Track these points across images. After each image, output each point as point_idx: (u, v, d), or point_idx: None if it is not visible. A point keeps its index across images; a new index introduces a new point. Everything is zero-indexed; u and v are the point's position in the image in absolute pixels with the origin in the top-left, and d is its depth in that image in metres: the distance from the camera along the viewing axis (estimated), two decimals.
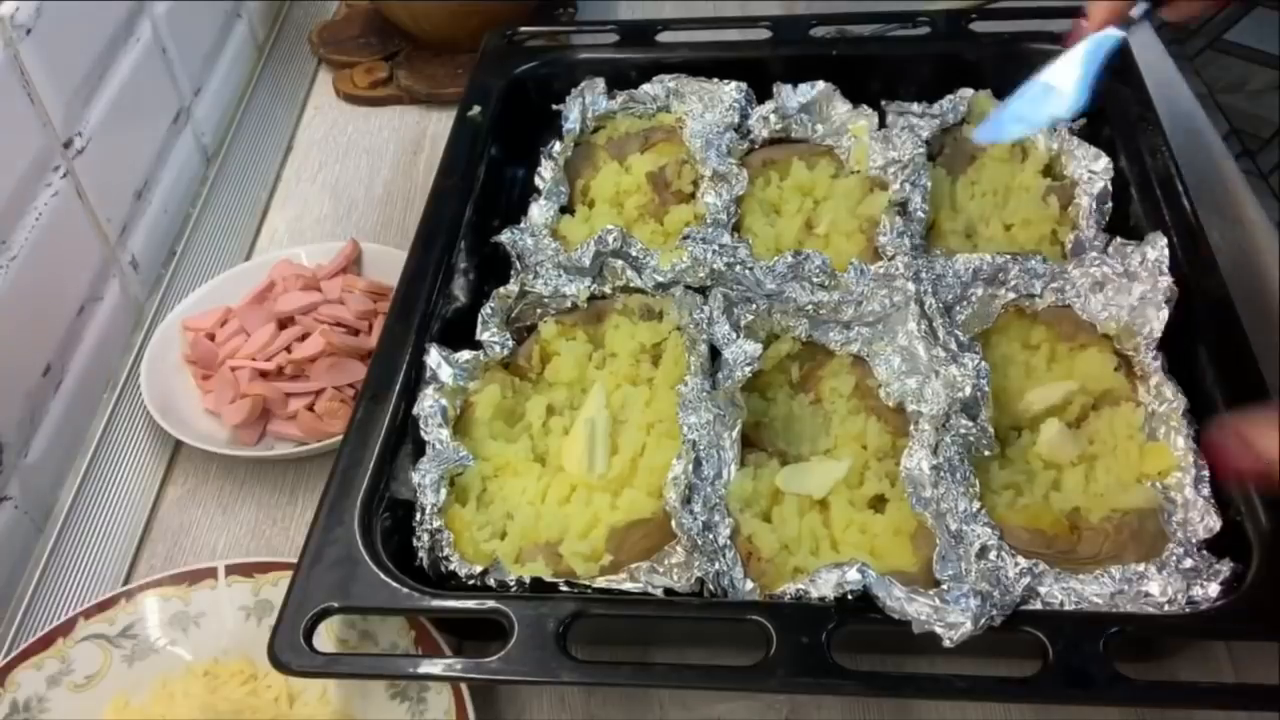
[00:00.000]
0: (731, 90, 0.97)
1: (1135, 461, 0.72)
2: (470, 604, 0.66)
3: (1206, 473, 0.68)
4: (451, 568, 0.68)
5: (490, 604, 0.64)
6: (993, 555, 0.65)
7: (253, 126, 1.22)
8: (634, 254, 0.84)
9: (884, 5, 1.08)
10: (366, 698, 0.71)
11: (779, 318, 0.81)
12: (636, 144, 0.99)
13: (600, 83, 1.01)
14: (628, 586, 0.67)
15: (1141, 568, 0.64)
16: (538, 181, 0.94)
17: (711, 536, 0.68)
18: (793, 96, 0.96)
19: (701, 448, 0.72)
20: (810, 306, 0.80)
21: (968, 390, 0.72)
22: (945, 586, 0.63)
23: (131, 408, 0.93)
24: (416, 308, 0.81)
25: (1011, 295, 0.80)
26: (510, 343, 0.83)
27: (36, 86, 0.86)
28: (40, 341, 0.87)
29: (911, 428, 0.73)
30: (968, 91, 0.96)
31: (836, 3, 1.09)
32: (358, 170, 1.15)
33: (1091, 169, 0.88)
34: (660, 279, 0.83)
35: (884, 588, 0.62)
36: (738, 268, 0.81)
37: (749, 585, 0.67)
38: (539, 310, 0.85)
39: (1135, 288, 0.77)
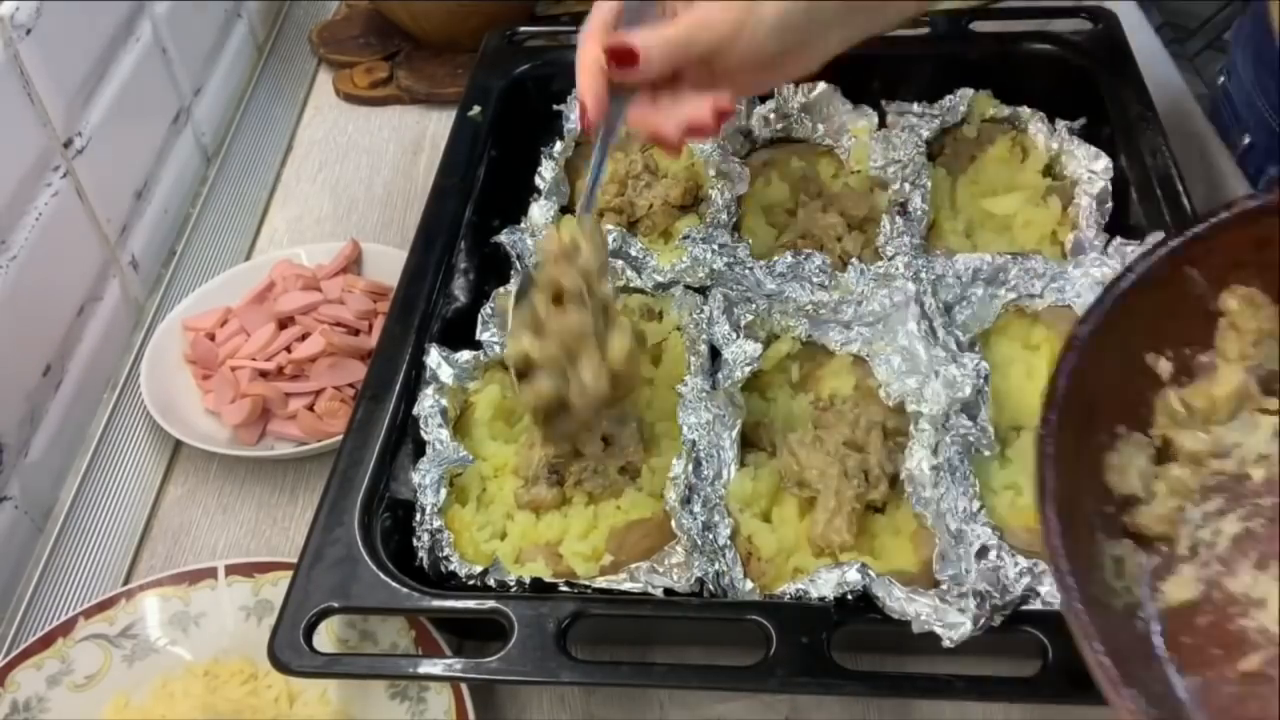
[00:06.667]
0: None
1: None
2: (470, 604, 0.66)
3: None
4: (451, 568, 0.68)
5: (490, 604, 0.65)
6: (993, 555, 0.65)
7: (253, 126, 1.22)
8: (634, 254, 0.84)
9: None
10: (366, 698, 0.71)
11: (779, 318, 0.81)
12: (638, 144, 0.99)
13: None
14: (628, 586, 0.67)
15: None
16: (538, 181, 0.94)
17: (711, 536, 0.68)
18: (793, 96, 0.96)
19: (701, 448, 0.72)
20: (810, 306, 0.80)
21: (968, 390, 0.72)
22: (945, 586, 0.63)
23: (131, 408, 0.93)
24: (416, 308, 0.81)
25: (1011, 295, 0.80)
26: None
27: (36, 86, 0.86)
28: (40, 341, 0.87)
29: (911, 428, 0.73)
30: (968, 91, 0.96)
31: None
32: (358, 170, 1.15)
33: (1091, 169, 0.88)
34: (660, 279, 0.83)
35: (884, 588, 0.62)
36: (738, 268, 0.81)
37: (749, 585, 0.67)
38: None
39: None
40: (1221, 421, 0.55)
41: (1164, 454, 0.55)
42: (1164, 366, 0.56)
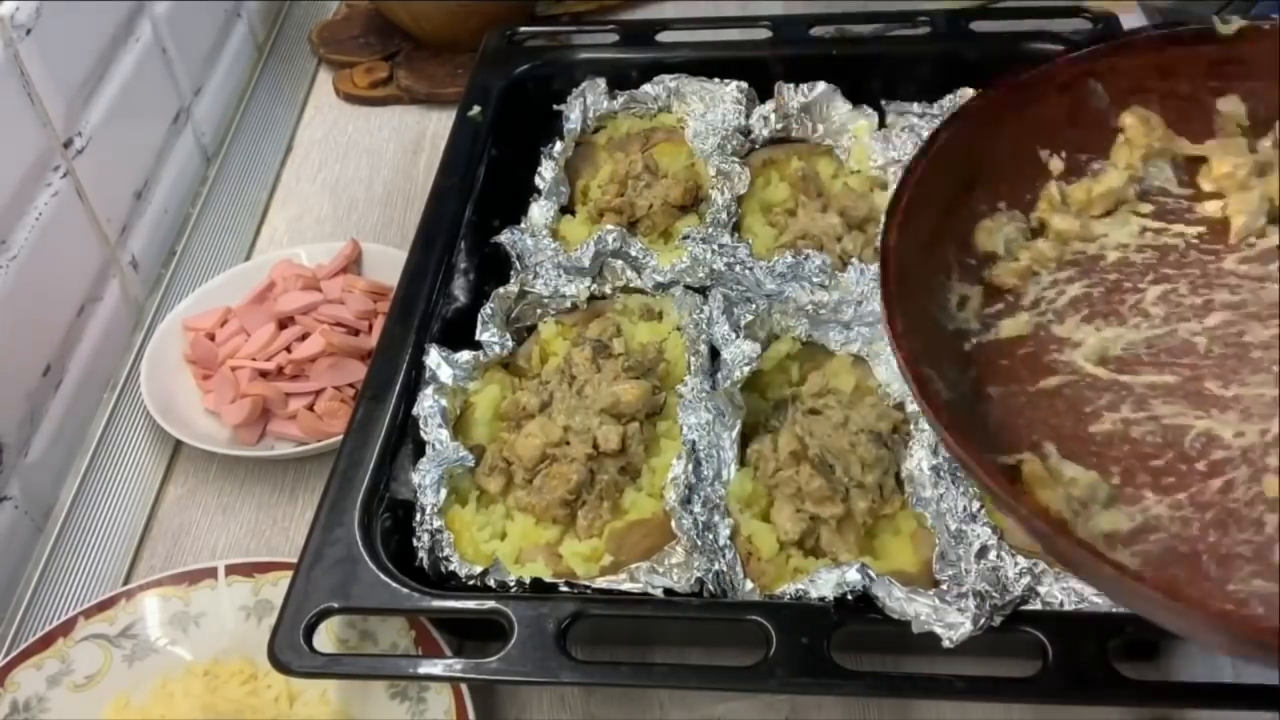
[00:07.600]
0: (732, 90, 0.97)
1: None
2: (470, 604, 0.66)
3: None
4: (451, 568, 0.68)
5: (490, 604, 0.64)
6: (993, 555, 0.65)
7: (253, 126, 1.22)
8: (634, 254, 0.84)
9: (884, 5, 1.07)
10: (366, 698, 0.71)
11: (779, 318, 0.81)
12: (638, 144, 0.99)
13: (601, 83, 1.01)
14: (627, 586, 0.67)
15: None
16: (538, 181, 0.94)
17: (711, 536, 0.68)
18: (793, 96, 0.96)
19: (701, 448, 0.72)
20: (810, 306, 0.80)
21: None
22: (945, 586, 0.63)
23: (131, 408, 0.93)
24: (416, 308, 0.81)
25: None
26: (510, 343, 0.83)
27: (36, 86, 0.86)
28: (40, 341, 0.87)
29: (911, 428, 0.73)
30: (968, 91, 0.95)
31: (837, 2, 1.09)
32: (358, 170, 1.15)
33: None
34: (660, 279, 0.83)
35: (884, 588, 0.62)
36: (738, 268, 0.81)
37: (749, 585, 0.67)
38: (539, 310, 0.85)
39: None
40: (1095, 215, 0.63)
41: (1038, 235, 0.63)
42: (1055, 164, 0.64)
